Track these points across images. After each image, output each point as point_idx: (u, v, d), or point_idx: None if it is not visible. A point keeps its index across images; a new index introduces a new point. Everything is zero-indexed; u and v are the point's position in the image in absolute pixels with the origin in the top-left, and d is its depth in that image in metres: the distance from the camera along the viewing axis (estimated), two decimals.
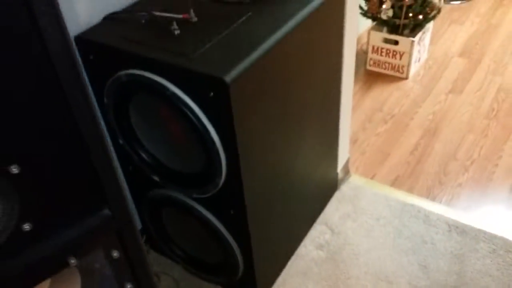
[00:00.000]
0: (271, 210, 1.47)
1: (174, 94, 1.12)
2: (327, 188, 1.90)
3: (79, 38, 1.24)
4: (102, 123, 1.41)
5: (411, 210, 1.89)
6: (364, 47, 2.79)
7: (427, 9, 2.46)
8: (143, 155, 1.38)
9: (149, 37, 1.20)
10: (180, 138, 1.30)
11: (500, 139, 2.20)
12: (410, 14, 2.45)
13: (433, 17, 2.52)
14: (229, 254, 1.45)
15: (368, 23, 2.72)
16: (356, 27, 1.64)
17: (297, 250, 1.77)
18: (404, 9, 2.44)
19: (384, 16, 2.48)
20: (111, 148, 1.48)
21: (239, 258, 1.46)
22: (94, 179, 0.72)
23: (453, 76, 2.63)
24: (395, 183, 2.03)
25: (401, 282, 1.65)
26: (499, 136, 2.22)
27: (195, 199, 1.38)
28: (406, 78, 2.63)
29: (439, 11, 2.51)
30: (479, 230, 1.79)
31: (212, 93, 1.08)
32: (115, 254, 0.84)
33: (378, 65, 2.68)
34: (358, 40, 2.88)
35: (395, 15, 2.48)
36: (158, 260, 1.77)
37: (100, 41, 1.21)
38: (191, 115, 1.14)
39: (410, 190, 2.00)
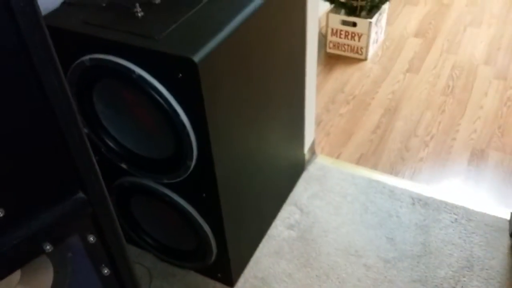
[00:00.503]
0: (242, 192, 1.48)
1: (141, 77, 1.11)
2: (295, 169, 1.92)
3: None
4: None
5: (377, 186, 1.95)
6: (323, 30, 2.82)
7: None
8: (110, 143, 1.35)
9: (112, 20, 1.17)
10: (148, 123, 1.28)
11: (456, 114, 2.29)
12: None
13: None
14: (202, 238, 1.45)
15: (326, 6, 2.75)
16: (317, 8, 1.66)
17: (268, 231, 1.79)
18: None
19: None
20: None
21: (212, 242, 1.46)
22: (68, 162, 0.70)
23: (410, 56, 2.71)
24: (360, 161, 2.08)
25: (370, 255, 1.70)
26: (455, 111, 2.31)
27: (166, 185, 1.37)
28: (365, 59, 2.68)
29: None
30: (441, 202, 1.86)
31: (180, 74, 1.07)
32: (91, 239, 0.83)
33: (338, 47, 2.72)
34: None
35: None
36: (129, 250, 1.75)
37: (60, 26, 1.17)
38: (159, 98, 1.12)
39: (375, 167, 2.05)
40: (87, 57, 1.16)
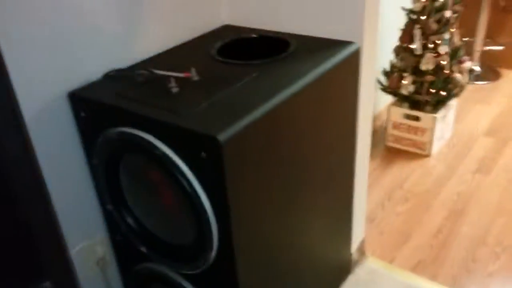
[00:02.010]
0: None
1: (164, 154, 1.02)
2: (339, 271, 1.71)
3: (72, 95, 1.18)
4: (92, 186, 1.31)
5: None
6: (384, 124, 2.68)
7: (450, 85, 2.37)
8: (131, 222, 1.26)
9: (145, 95, 1.12)
10: (170, 204, 1.18)
11: None
12: (432, 90, 2.36)
13: (457, 94, 2.42)
14: None
15: (388, 99, 2.64)
16: (372, 93, 1.55)
17: None
18: (426, 85, 2.36)
19: (404, 92, 2.40)
20: (101, 215, 1.37)
21: None
22: (31, 246, 0.59)
23: (480, 155, 2.48)
24: (417, 268, 1.83)
25: None
26: None
27: (186, 276, 1.23)
28: (428, 155, 2.49)
29: (462, 88, 2.42)
30: None
31: (204, 153, 0.97)
32: None
33: (399, 141, 2.56)
34: (378, 117, 2.79)
35: (416, 91, 2.40)
36: None
37: (92, 97, 1.14)
38: (181, 178, 1.03)
39: (434, 277, 1.79)
40: (113, 130, 1.10)
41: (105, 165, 1.20)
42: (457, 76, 2.35)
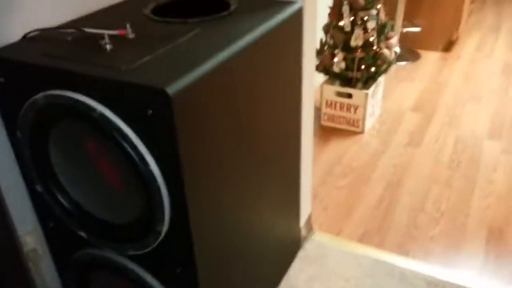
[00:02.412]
0: (226, 269, 1.21)
1: (102, 116, 0.90)
2: (289, 247, 1.66)
3: None
4: (15, 166, 1.15)
5: (384, 268, 1.67)
6: (318, 104, 2.68)
7: (379, 61, 2.41)
8: (66, 205, 1.11)
9: (75, 53, 0.99)
10: (112, 178, 1.05)
11: (466, 189, 2.08)
12: (363, 67, 2.40)
13: (385, 70, 2.48)
14: None
15: (320, 79, 2.65)
16: (313, 59, 1.51)
17: None
18: (356, 61, 2.38)
19: (336, 69, 2.41)
20: (29, 199, 1.20)
21: None
22: None
23: (409, 130, 2.56)
24: (363, 239, 1.83)
25: None
26: (464, 186, 2.10)
27: (132, 258, 1.11)
28: (362, 132, 2.52)
29: (390, 64, 2.48)
30: (460, 287, 1.59)
31: (150, 111, 0.86)
32: None
33: (333, 120, 2.57)
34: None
35: (347, 68, 2.42)
36: None
37: (13, 58, 0.98)
38: (124, 143, 0.91)
39: (380, 245, 1.80)
40: (40, 94, 0.96)
41: (30, 139, 1.04)
42: (385, 51, 2.40)
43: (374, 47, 2.38)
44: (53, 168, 1.08)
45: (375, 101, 2.58)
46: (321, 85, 2.54)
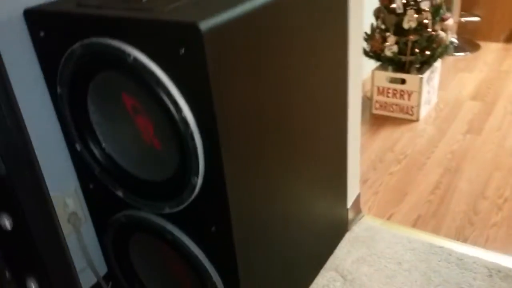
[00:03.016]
0: (265, 237, 1.15)
1: (136, 61, 0.88)
2: (336, 228, 1.58)
3: (29, 12, 1.03)
4: (57, 125, 1.15)
5: (440, 253, 1.55)
6: (369, 94, 2.58)
7: (434, 44, 2.29)
8: (104, 163, 1.10)
9: (109, 1, 0.98)
10: (147, 132, 1.03)
11: None
12: (417, 50, 2.28)
13: (441, 54, 2.35)
14: None
15: (371, 67, 2.54)
16: (361, 43, 1.43)
17: None
18: (410, 44, 2.27)
19: (388, 53, 2.31)
20: (70, 160, 1.20)
21: None
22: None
23: (468, 118, 2.40)
24: (417, 223, 1.71)
25: None
26: None
27: (168, 217, 1.08)
28: (417, 120, 2.39)
29: (446, 47, 2.34)
30: None
31: (182, 50, 0.83)
32: None
33: (385, 107, 2.46)
34: (362, 87, 2.69)
35: (400, 52, 2.31)
36: None
37: (52, 11, 0.99)
38: (157, 89, 0.88)
39: (436, 231, 1.67)
40: (77, 44, 0.96)
41: (70, 94, 1.05)
42: (441, 33, 2.28)
43: (429, 29, 2.25)
44: (92, 125, 1.08)
45: (431, 87, 2.45)
46: (372, 72, 2.44)
